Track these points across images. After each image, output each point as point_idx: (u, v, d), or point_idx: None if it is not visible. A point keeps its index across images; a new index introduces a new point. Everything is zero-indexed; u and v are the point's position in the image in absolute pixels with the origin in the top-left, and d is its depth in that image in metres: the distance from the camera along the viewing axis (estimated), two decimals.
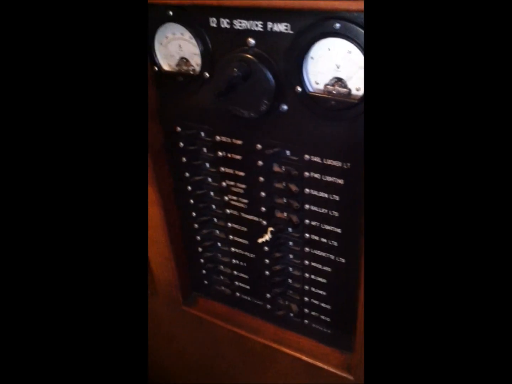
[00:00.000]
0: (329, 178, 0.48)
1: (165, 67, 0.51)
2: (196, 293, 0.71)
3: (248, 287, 0.65)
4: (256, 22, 0.43)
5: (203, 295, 0.71)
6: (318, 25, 0.39)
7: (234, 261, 0.64)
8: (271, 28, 0.42)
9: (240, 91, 0.45)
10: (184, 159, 0.58)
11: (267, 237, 0.56)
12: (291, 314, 0.62)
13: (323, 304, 0.58)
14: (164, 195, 0.60)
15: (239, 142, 0.52)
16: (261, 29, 0.42)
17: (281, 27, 0.41)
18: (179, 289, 0.68)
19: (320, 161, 0.47)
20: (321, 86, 0.43)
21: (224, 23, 0.44)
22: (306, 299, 0.59)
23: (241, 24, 0.43)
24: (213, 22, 0.45)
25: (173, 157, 0.58)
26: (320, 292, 0.57)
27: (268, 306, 0.64)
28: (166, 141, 0.57)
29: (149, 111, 0.53)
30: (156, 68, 0.51)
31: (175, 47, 0.49)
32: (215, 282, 0.68)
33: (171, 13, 0.46)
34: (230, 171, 0.55)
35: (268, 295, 0.63)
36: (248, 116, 0.46)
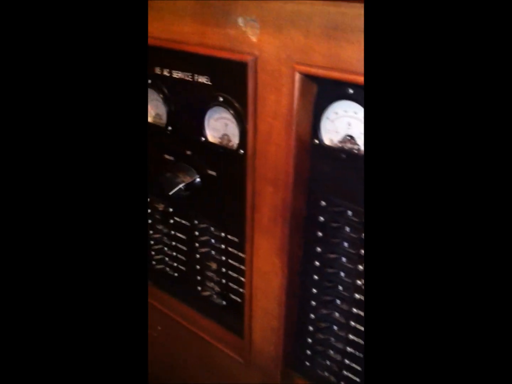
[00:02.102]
0: None
1: (327, 141, 0.50)
2: (295, 373, 0.66)
3: (358, 380, 0.60)
4: None
5: (303, 377, 0.66)
6: None
7: (348, 349, 0.59)
8: None
9: None
10: (320, 234, 0.55)
11: None
12: None
13: None
14: (291, 265, 0.57)
15: None
16: None
17: None
18: (279, 366, 0.64)
19: None
20: None
21: None
22: None
23: None
24: None
25: (309, 229, 0.56)
26: None
27: None
28: (307, 213, 0.55)
29: (299, 180, 0.52)
30: (317, 141, 0.50)
31: (344, 124, 0.48)
32: (319, 366, 0.64)
33: (351, 91, 0.46)
34: None
35: None
36: None
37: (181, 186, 0.64)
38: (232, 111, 0.57)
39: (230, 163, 0.61)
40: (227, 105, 0.57)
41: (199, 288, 0.75)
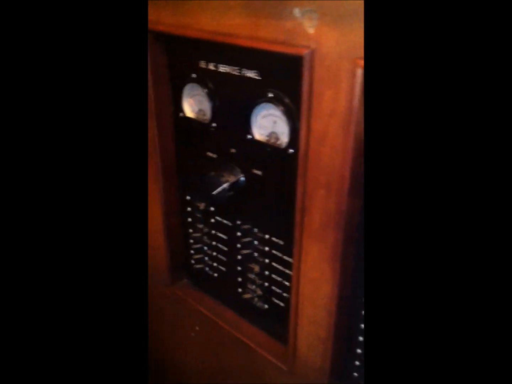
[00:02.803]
0: None
1: None
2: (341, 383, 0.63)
3: None
4: None
5: None
6: None
7: None
8: None
9: None
10: None
11: None
12: None
13: None
14: (343, 273, 0.54)
15: None
16: None
17: None
18: (326, 376, 0.61)
19: None
20: None
21: None
22: None
23: None
24: None
25: (362, 234, 0.53)
26: None
27: None
28: (361, 217, 0.51)
29: (354, 184, 0.48)
30: None
31: None
32: None
33: None
34: None
35: None
36: None
37: (225, 186, 0.61)
38: (282, 108, 0.53)
39: (277, 162, 0.57)
40: (276, 101, 0.53)
41: (240, 290, 0.72)
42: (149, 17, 0.59)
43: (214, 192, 0.61)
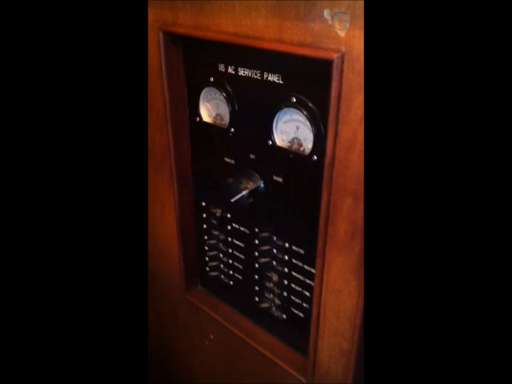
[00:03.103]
0: None
1: None
2: None
3: None
4: None
5: None
6: None
7: None
8: None
9: None
10: None
11: None
12: None
13: None
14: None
15: None
16: None
17: None
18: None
19: None
20: None
21: None
22: None
23: None
24: None
25: None
26: None
27: None
28: None
29: None
30: None
31: None
32: None
33: None
34: None
35: None
36: None
37: (244, 193, 0.59)
38: (305, 113, 0.51)
39: (300, 169, 0.55)
40: (300, 106, 0.51)
41: (257, 299, 0.71)
42: (166, 19, 0.57)
43: (233, 199, 0.59)
